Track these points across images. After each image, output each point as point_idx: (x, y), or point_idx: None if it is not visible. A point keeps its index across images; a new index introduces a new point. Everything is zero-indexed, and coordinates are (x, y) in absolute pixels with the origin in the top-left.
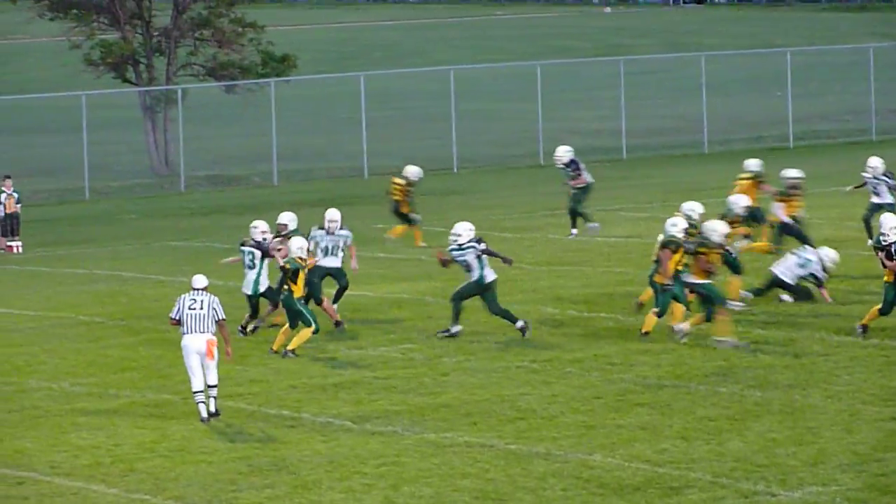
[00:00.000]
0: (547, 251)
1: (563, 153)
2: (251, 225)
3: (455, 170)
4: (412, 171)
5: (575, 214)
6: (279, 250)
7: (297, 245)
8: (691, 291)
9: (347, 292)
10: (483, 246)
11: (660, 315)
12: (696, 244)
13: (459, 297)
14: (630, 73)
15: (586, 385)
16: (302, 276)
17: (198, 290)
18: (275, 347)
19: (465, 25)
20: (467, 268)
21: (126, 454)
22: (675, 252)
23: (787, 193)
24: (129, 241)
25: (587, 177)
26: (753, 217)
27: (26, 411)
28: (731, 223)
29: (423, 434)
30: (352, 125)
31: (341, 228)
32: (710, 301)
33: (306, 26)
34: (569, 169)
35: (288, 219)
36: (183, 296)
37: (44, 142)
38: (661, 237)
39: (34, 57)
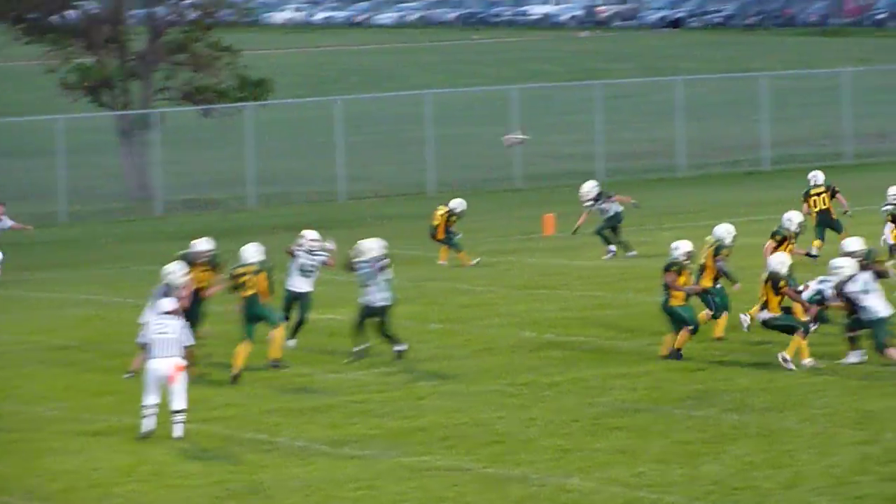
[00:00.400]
0: (524, 275)
1: (590, 189)
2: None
3: (431, 193)
4: (457, 203)
5: (606, 237)
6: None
7: (253, 250)
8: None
9: (324, 316)
10: (380, 265)
11: (693, 331)
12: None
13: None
14: (606, 97)
15: (563, 409)
16: (264, 276)
17: (166, 314)
18: (234, 372)
19: (441, 50)
20: (363, 284)
21: (102, 479)
22: (679, 274)
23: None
24: (105, 265)
25: (615, 206)
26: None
27: (1, 435)
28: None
29: (399, 458)
30: (328, 149)
31: (318, 252)
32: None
33: (283, 50)
34: (599, 203)
35: (208, 245)
36: (151, 319)
37: (19, 165)
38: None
39: (10, 80)
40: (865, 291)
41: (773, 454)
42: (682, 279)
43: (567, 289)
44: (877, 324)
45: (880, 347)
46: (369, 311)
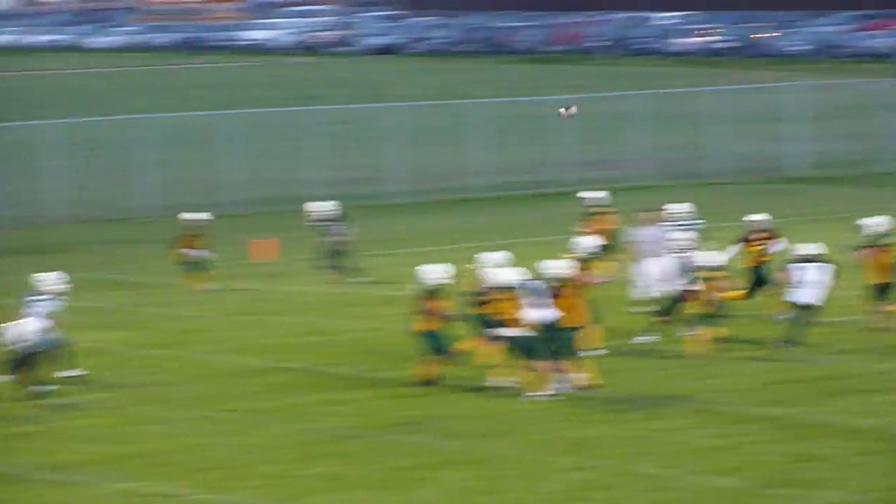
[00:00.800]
0: (237, 301)
1: (320, 209)
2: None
3: (144, 218)
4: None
5: (333, 263)
6: None
7: None
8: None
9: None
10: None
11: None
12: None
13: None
14: (323, 122)
15: (277, 434)
16: None
17: None
18: None
19: (158, 74)
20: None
21: None
22: (433, 299)
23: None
24: None
25: (345, 231)
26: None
27: None
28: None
29: (113, 484)
30: (35, 173)
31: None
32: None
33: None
34: (331, 226)
35: None
36: None
37: None
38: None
39: None
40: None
41: (488, 480)
42: (436, 304)
43: (281, 315)
44: None
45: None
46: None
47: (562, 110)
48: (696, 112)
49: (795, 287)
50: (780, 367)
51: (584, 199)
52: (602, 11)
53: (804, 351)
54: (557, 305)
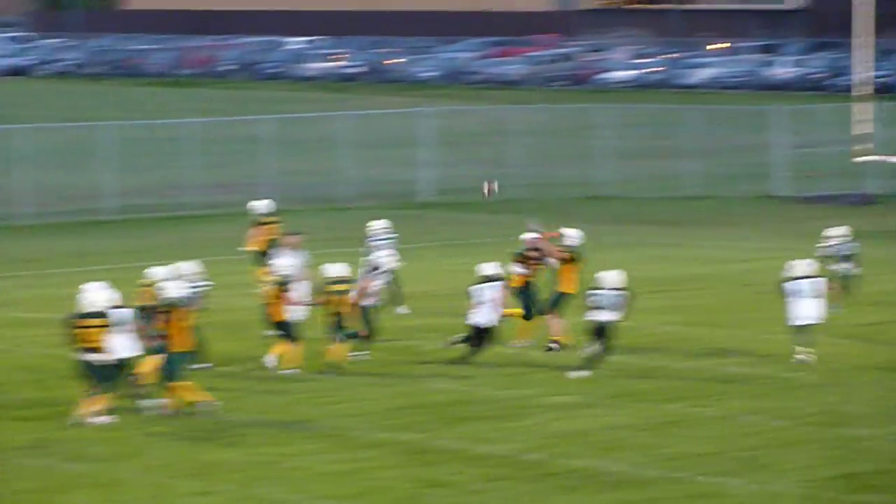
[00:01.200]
0: None
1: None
2: None
3: None
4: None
5: None
6: None
7: None
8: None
9: None
10: None
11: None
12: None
13: None
14: None
15: None
16: None
17: None
18: None
19: None
20: None
21: None
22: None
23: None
24: None
25: None
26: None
27: None
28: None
29: None
30: None
31: None
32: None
33: None
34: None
35: None
36: None
37: None
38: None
39: None
40: None
41: None
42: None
43: None
44: None
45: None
46: None
47: (484, 187)
48: (326, 136)
49: (474, 309)
50: (405, 391)
51: (254, 208)
52: (234, 35)
53: (430, 375)
54: (168, 329)
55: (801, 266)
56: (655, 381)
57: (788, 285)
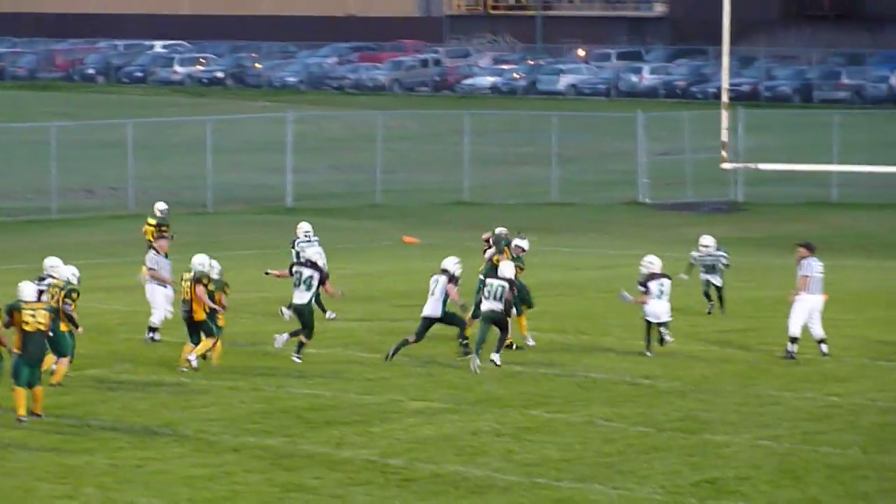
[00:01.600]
0: None
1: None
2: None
3: None
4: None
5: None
6: None
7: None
8: None
9: None
10: None
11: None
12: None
13: None
14: None
15: None
16: None
17: None
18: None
19: None
20: None
21: None
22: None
23: None
24: None
25: None
26: None
27: None
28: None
29: None
30: None
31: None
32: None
33: None
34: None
35: None
36: None
37: None
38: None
39: None
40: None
41: None
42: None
43: None
44: None
45: None
46: None
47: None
48: (189, 140)
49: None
50: (266, 396)
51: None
52: (98, 39)
53: (296, 378)
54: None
55: (658, 264)
56: (518, 387)
57: (651, 283)
